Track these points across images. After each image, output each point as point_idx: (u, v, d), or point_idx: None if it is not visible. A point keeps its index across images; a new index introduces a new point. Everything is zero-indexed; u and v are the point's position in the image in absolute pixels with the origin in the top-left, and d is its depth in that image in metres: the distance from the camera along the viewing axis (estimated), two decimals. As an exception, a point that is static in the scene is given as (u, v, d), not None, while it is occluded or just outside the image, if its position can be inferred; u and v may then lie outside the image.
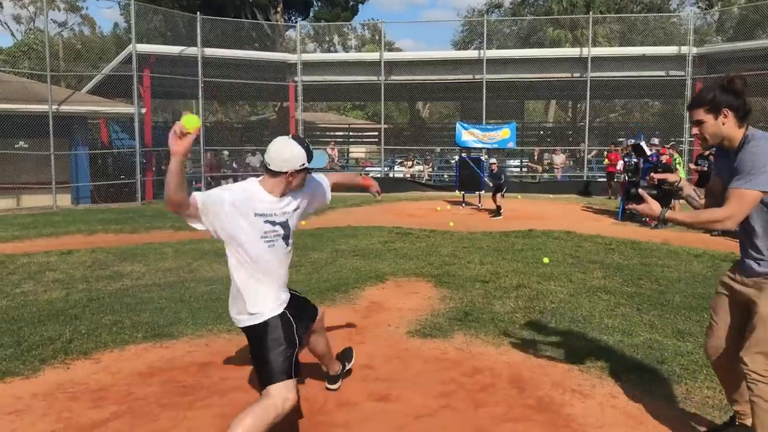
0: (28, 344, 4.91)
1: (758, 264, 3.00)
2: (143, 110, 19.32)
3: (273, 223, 3.21)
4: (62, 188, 17.76)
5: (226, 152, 22.72)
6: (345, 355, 4.20)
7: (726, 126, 2.96)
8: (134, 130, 18.73)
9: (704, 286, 7.09)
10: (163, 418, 3.63)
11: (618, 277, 7.56)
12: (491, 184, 15.42)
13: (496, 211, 14.72)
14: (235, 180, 22.45)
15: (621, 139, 20.17)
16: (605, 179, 20.19)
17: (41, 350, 4.76)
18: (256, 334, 3.18)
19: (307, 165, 3.23)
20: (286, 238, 3.28)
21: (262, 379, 3.12)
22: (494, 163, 16.04)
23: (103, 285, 7.16)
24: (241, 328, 3.25)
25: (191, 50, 19.99)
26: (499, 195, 14.93)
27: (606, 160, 20.05)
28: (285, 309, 3.26)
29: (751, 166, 2.82)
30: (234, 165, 23.03)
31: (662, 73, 21.02)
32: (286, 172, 3.17)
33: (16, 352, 4.72)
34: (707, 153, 12.99)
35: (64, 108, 17.47)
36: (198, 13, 20.22)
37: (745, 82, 2.97)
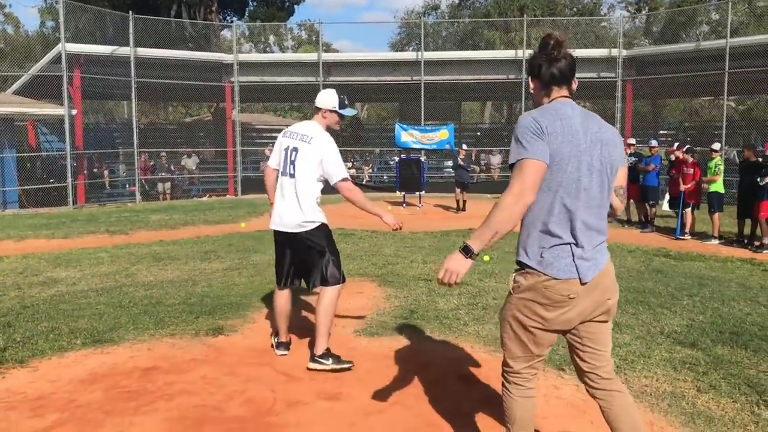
0: (-41, 354, 4.70)
1: None
2: (74, 112, 18.69)
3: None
4: (-13, 193, 17.06)
5: (164, 155, 22.18)
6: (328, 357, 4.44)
7: (534, 94, 2.76)
8: (64, 132, 18.11)
9: (638, 280, 7.36)
10: (108, 424, 3.53)
11: (556, 272, 7.76)
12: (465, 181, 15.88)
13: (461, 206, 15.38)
14: (173, 183, 22.03)
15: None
16: None
17: (-27, 360, 4.56)
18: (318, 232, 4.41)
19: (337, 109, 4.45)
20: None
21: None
22: (463, 152, 16.30)
23: (36, 291, 6.91)
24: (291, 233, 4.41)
25: (123, 50, 19.46)
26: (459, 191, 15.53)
27: None
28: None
29: None
30: (172, 167, 22.52)
31: (594, 74, 21.63)
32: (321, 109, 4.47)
33: (-54, 363, 4.52)
34: (634, 150, 13.59)
35: (-12, 109, 16.76)
36: (130, 12, 19.69)
37: (558, 42, 2.64)
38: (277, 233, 4.56)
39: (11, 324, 5.50)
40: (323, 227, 4.46)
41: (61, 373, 4.34)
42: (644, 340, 5.04)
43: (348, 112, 4.57)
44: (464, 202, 15.60)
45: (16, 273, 8.03)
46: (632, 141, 14.16)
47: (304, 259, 4.48)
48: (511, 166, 2.53)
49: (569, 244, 2.55)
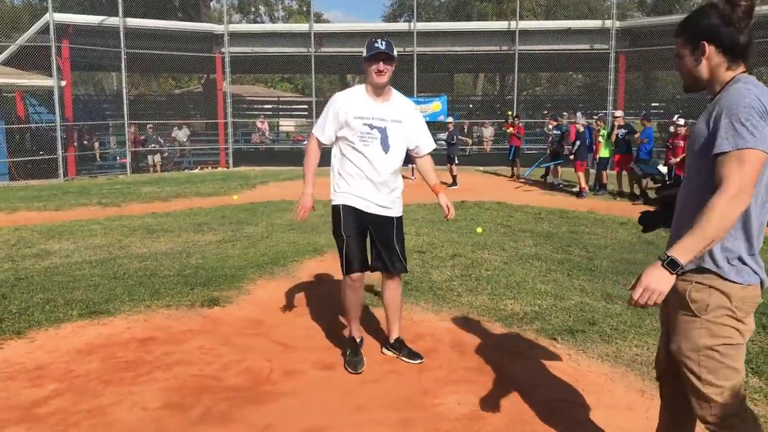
0: (-45, 325, 4.72)
1: None
2: (63, 83, 18.50)
3: (371, 126, 3.81)
4: (-24, 165, 16.95)
5: (151, 126, 21.99)
6: (411, 354, 4.10)
7: (703, 66, 2.19)
8: (53, 104, 17.94)
9: (629, 252, 7.44)
10: (107, 393, 3.58)
11: (548, 244, 7.83)
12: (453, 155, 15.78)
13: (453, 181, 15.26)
14: (162, 155, 21.89)
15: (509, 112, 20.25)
16: (509, 155, 17.73)
17: (-30, 331, 4.58)
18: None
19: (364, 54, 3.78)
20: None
21: None
22: (450, 122, 16.19)
23: (30, 263, 6.92)
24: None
25: (113, 20, 19.22)
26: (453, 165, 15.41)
27: (510, 129, 17.72)
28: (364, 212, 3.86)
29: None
30: (160, 140, 22.36)
31: (587, 46, 21.55)
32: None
33: (-58, 334, 4.54)
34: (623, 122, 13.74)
35: (-25, 81, 16.57)
36: (119, -20, 19.41)
37: (750, 5, 2.08)
38: None
39: (6, 296, 5.51)
40: (336, 209, 3.97)
41: (59, 343, 4.37)
42: (636, 311, 5.10)
43: (366, 52, 3.84)
44: (455, 176, 15.58)
45: (8, 245, 8.02)
46: (619, 114, 14.25)
47: None
48: (716, 156, 2.01)
49: (749, 247, 2.16)
